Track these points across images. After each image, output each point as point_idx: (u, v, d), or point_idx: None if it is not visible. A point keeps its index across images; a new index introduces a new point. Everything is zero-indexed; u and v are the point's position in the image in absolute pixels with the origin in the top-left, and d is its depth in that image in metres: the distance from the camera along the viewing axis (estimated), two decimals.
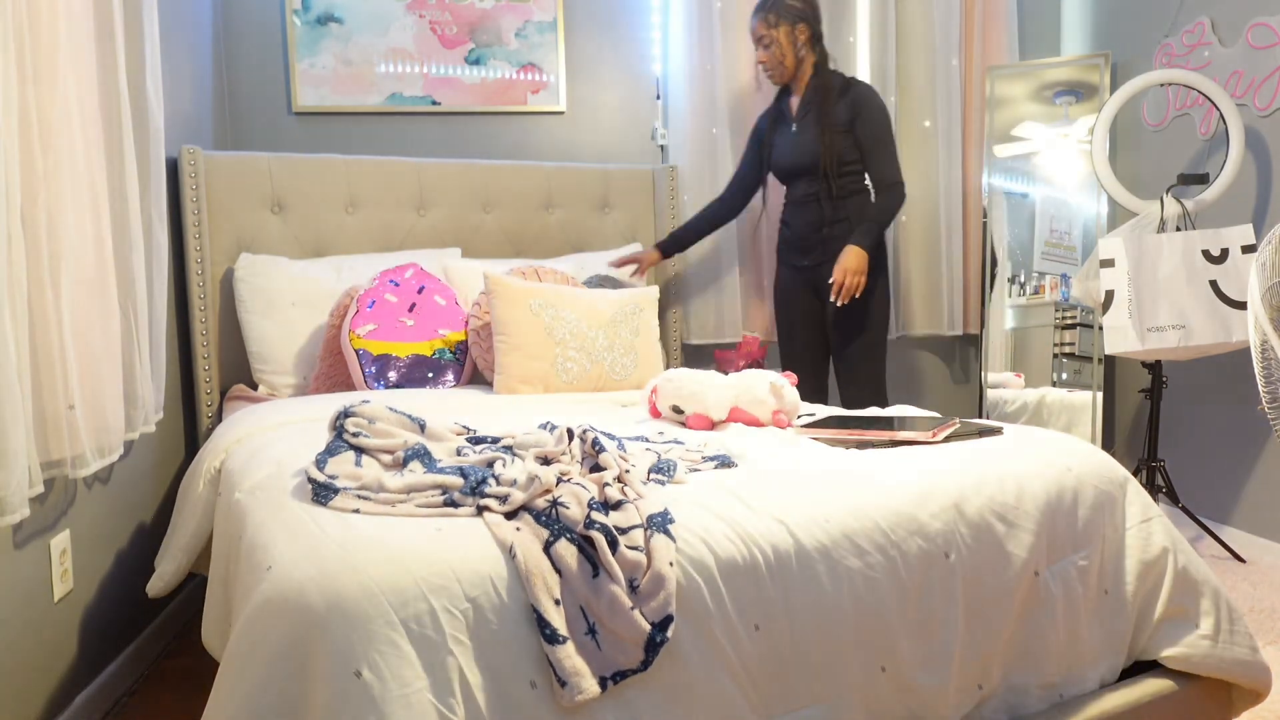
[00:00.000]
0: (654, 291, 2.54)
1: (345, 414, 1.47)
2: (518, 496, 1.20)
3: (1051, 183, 3.43)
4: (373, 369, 2.31)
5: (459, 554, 1.09)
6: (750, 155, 2.96)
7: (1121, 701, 1.46)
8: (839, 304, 2.60)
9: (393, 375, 2.34)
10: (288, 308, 2.54)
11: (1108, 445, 3.46)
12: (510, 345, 2.23)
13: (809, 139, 2.74)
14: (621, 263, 2.85)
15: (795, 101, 2.84)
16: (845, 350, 2.76)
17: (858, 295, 2.62)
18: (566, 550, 1.11)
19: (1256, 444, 2.87)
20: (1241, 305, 2.53)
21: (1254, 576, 2.64)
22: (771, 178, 2.97)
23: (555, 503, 1.18)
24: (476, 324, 2.43)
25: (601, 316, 2.33)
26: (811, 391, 2.93)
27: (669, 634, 1.09)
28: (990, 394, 3.47)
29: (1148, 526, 1.57)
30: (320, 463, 1.32)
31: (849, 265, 2.57)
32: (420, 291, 2.44)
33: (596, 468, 1.36)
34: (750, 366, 3.17)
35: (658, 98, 3.33)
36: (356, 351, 2.32)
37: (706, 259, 3.28)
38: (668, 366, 3.01)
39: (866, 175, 2.77)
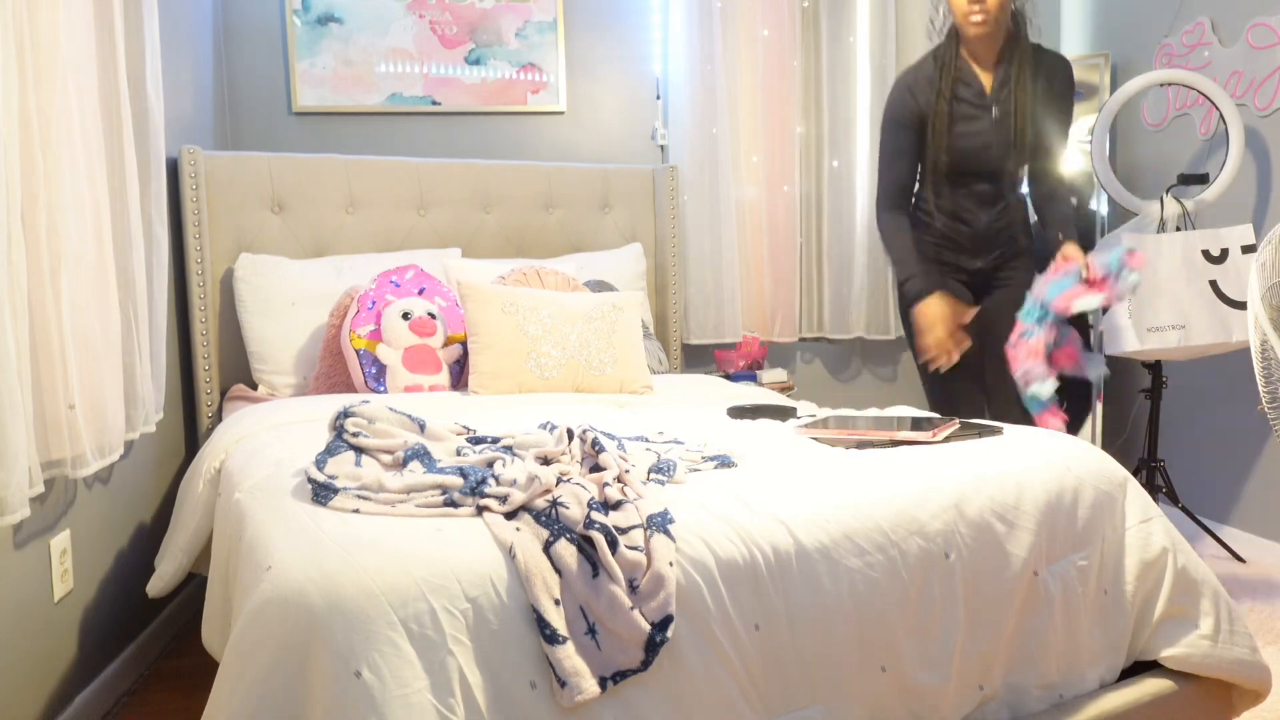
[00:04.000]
0: (637, 295, 2.53)
1: (345, 414, 1.47)
2: (517, 496, 1.20)
3: None
4: (373, 369, 2.31)
5: (459, 554, 1.09)
6: (911, 148, 2.43)
7: (1121, 701, 1.46)
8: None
9: None
10: (287, 308, 2.54)
11: (1108, 445, 3.46)
12: (482, 345, 2.23)
13: (1011, 124, 2.32)
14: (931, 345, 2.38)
15: (986, 79, 2.36)
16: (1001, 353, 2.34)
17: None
18: (566, 550, 1.11)
19: (1256, 444, 2.87)
20: (1241, 305, 2.53)
21: (1254, 576, 2.64)
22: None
23: (555, 503, 1.18)
24: None
25: (575, 314, 2.33)
26: (975, 413, 2.47)
27: (669, 634, 1.09)
28: None
29: (1147, 526, 1.57)
30: (320, 463, 1.32)
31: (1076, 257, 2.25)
32: (420, 292, 2.44)
33: (596, 468, 1.36)
34: (750, 366, 3.17)
35: (658, 98, 3.33)
36: (357, 352, 2.32)
37: (706, 259, 3.28)
38: (669, 368, 3.00)
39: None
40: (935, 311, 2.35)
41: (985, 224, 2.44)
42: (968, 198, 2.43)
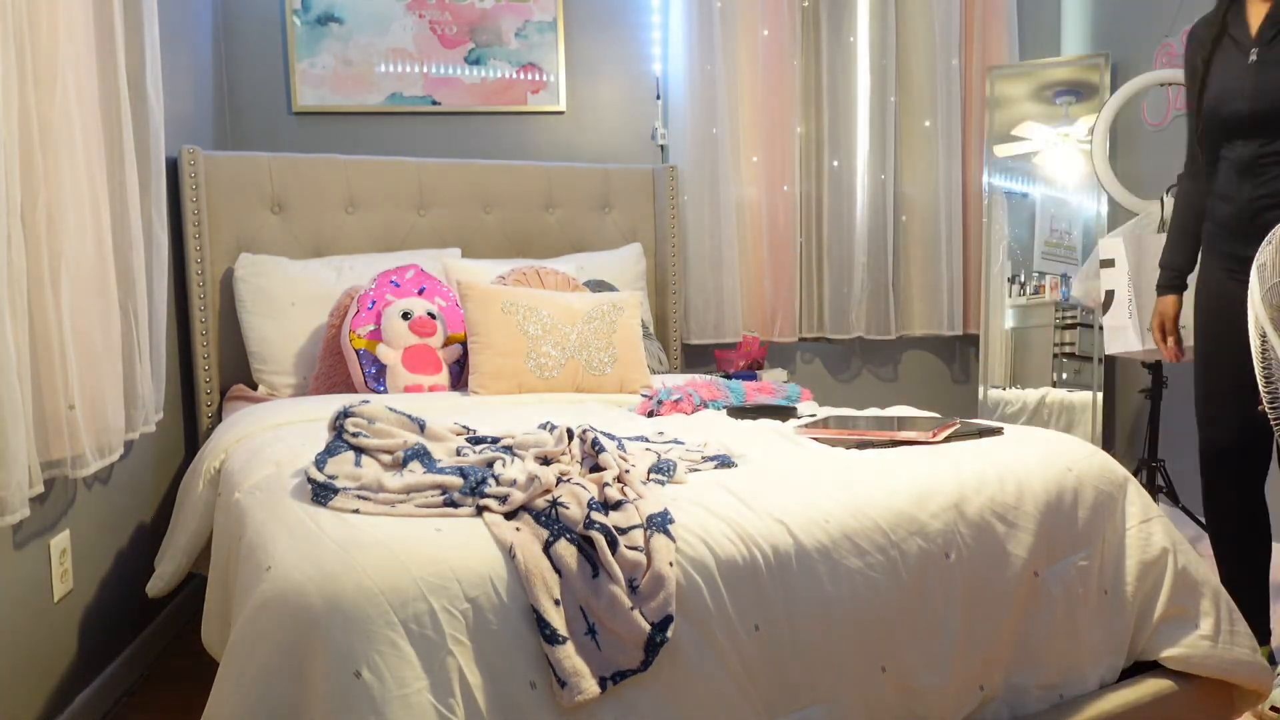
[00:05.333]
0: (637, 295, 2.53)
1: (345, 414, 1.46)
2: (517, 496, 1.20)
3: (1051, 183, 3.43)
4: (373, 369, 2.31)
5: (459, 554, 1.09)
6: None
7: (1121, 702, 1.46)
8: None
9: None
10: (288, 308, 2.54)
11: (1108, 445, 3.46)
12: (482, 344, 2.24)
13: (1274, 73, 1.85)
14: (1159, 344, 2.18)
15: (1253, 13, 1.91)
16: None
17: None
18: (566, 550, 1.11)
19: None
20: None
21: None
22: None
23: (555, 503, 1.18)
24: None
25: (575, 314, 2.33)
26: (1239, 452, 1.95)
27: (669, 634, 1.09)
28: (992, 394, 3.47)
29: (1148, 527, 1.56)
30: (320, 463, 1.32)
31: None
32: (420, 292, 2.44)
33: (596, 468, 1.36)
34: (750, 366, 3.17)
35: (658, 98, 3.33)
36: (357, 352, 2.32)
37: (706, 259, 3.28)
38: (669, 368, 3.00)
39: None
40: (1162, 310, 2.20)
41: (1246, 199, 1.93)
42: (1228, 166, 1.98)
